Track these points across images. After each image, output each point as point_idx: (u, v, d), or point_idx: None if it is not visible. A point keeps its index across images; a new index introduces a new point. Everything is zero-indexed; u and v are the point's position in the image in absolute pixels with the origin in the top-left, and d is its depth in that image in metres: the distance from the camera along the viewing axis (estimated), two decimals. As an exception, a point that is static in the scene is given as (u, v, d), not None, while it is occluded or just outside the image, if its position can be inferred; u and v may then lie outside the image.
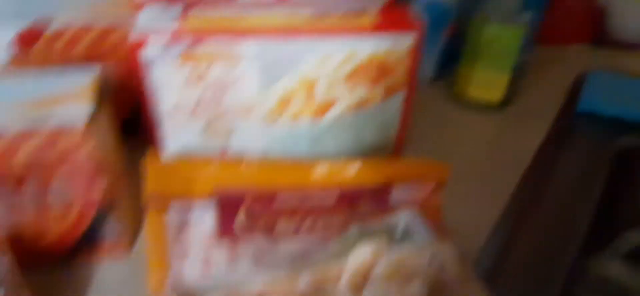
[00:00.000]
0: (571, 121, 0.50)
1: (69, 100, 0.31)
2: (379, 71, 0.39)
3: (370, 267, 0.32)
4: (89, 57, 0.40)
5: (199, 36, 0.35)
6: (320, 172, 0.40)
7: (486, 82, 0.51)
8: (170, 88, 0.37)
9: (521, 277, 0.39)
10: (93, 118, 0.30)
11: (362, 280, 0.31)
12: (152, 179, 0.36)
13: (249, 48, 0.36)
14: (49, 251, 0.34)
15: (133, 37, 0.34)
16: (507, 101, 0.53)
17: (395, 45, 0.38)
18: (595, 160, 0.46)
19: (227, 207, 0.36)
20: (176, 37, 0.34)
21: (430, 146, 0.46)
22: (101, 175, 0.32)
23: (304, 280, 0.32)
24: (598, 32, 0.62)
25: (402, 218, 0.35)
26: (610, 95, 0.51)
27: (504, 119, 0.51)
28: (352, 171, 0.40)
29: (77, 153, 0.30)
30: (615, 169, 0.46)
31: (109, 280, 0.35)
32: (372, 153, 0.42)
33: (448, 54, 0.55)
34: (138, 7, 0.36)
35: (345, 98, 0.40)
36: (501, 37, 0.48)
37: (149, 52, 0.35)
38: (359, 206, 0.38)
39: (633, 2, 0.60)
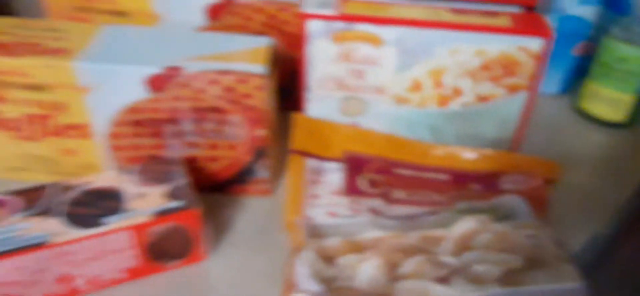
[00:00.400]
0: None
1: (247, 58, 0.38)
2: (505, 69, 0.43)
3: (473, 236, 0.36)
4: (262, 31, 0.48)
5: (351, 19, 0.41)
6: (438, 153, 0.45)
7: (611, 100, 0.53)
8: (322, 62, 0.44)
9: (617, 282, 0.41)
10: (266, 76, 0.38)
11: (464, 246, 0.36)
12: (297, 135, 0.43)
13: (391, 33, 0.41)
14: (214, 179, 0.43)
15: (299, 15, 0.41)
16: (629, 122, 0.54)
17: (524, 47, 0.41)
18: None
19: (354, 169, 0.42)
20: (333, 19, 0.41)
21: (546, 152, 0.49)
22: (263, 123, 0.40)
23: (413, 236, 0.37)
24: None
25: (508, 202, 0.39)
26: None
27: (624, 139, 0.52)
28: (467, 157, 0.44)
29: (250, 101, 0.38)
30: None
31: (256, 210, 0.43)
32: (489, 146, 0.46)
33: (578, 69, 0.57)
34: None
35: (470, 90, 0.44)
36: (630, 58, 0.49)
37: (310, 29, 0.42)
38: (469, 187, 0.43)
39: None
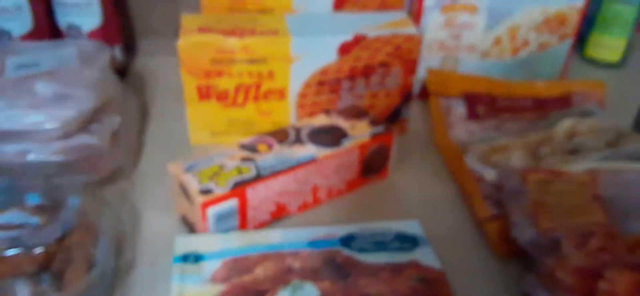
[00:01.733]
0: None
1: (407, 25, 0.53)
2: (558, 22, 0.61)
3: (574, 127, 0.54)
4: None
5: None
6: (519, 87, 0.62)
7: (609, 47, 0.73)
8: (431, 30, 0.59)
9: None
10: (421, 36, 0.53)
11: (571, 134, 0.53)
12: (431, 81, 0.59)
13: (484, 2, 0.58)
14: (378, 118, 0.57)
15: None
16: (621, 62, 0.74)
17: (572, 5, 0.60)
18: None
19: (471, 102, 0.58)
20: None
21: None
22: (414, 72, 0.54)
23: (532, 137, 0.54)
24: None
25: (586, 107, 0.57)
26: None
27: (620, 74, 0.73)
28: (540, 87, 0.62)
29: (410, 55, 0.53)
30: None
31: (401, 142, 0.57)
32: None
33: (581, 31, 0.77)
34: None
35: (535, 40, 0.62)
36: (623, 11, 0.70)
37: (425, 4, 0.58)
38: (549, 106, 0.60)
39: None
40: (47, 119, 0.42)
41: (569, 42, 0.63)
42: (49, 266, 0.35)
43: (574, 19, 0.61)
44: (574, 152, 0.50)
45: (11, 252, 0.34)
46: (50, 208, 0.37)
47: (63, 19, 0.58)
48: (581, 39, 0.75)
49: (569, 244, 0.38)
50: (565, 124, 0.54)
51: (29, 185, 0.39)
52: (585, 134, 0.53)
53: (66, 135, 0.44)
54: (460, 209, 0.48)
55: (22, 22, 0.56)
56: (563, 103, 0.59)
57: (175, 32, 0.50)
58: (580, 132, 0.53)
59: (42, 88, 0.43)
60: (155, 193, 0.47)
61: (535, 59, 0.64)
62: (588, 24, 0.73)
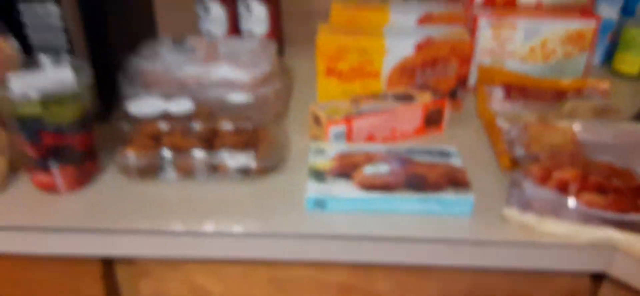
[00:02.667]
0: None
1: (462, 35, 0.82)
2: (578, 37, 0.87)
3: (575, 107, 0.79)
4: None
5: (501, 16, 0.85)
6: (548, 82, 0.88)
7: (631, 62, 0.96)
8: (482, 42, 0.88)
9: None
10: (470, 40, 0.81)
11: (573, 111, 0.78)
12: (481, 74, 0.87)
13: (521, 23, 0.85)
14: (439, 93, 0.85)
15: (472, 16, 0.85)
16: (641, 74, 0.96)
17: (588, 26, 0.85)
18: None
19: (508, 89, 0.85)
20: (492, 17, 0.85)
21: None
22: (467, 64, 0.83)
23: (550, 113, 0.79)
24: None
25: (594, 96, 0.82)
26: None
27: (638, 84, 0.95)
28: (564, 81, 0.87)
29: (461, 54, 0.82)
30: None
31: (460, 116, 0.85)
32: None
33: (610, 50, 1.00)
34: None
35: (560, 50, 0.88)
36: (638, 35, 0.93)
37: (479, 23, 0.86)
38: (566, 95, 0.85)
39: None
40: (244, 75, 0.76)
41: (586, 53, 0.88)
42: (250, 143, 0.68)
43: (589, 35, 0.86)
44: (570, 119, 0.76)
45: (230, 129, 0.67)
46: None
47: (245, 26, 0.93)
48: (610, 57, 0.99)
49: (546, 158, 0.65)
50: (568, 104, 0.80)
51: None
52: (584, 111, 0.78)
53: (252, 87, 0.78)
54: (486, 148, 0.76)
55: (222, 27, 0.92)
56: (577, 93, 0.84)
57: (307, 41, 0.83)
58: (579, 111, 0.78)
59: (245, 58, 0.78)
60: (296, 126, 0.80)
61: (562, 64, 0.89)
62: (614, 45, 0.97)
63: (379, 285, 0.66)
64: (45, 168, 0.64)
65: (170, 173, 0.67)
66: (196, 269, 0.67)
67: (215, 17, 0.92)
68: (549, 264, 0.59)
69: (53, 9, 0.71)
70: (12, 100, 0.60)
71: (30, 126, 0.61)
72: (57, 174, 0.64)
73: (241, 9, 0.92)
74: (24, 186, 0.67)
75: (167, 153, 0.66)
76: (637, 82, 0.95)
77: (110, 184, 0.67)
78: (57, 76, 0.63)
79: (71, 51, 0.73)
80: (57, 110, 0.61)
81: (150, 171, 0.67)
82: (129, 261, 0.67)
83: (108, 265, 0.68)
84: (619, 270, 0.58)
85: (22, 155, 0.64)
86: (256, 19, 0.92)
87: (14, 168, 0.68)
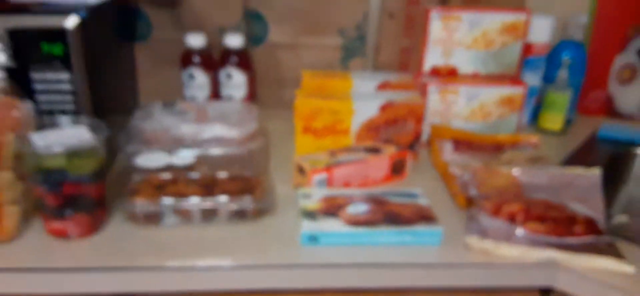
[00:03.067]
0: (593, 140, 1.12)
1: (417, 99, 0.97)
2: (510, 101, 1.04)
3: (512, 157, 0.95)
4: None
5: (446, 83, 1.02)
6: (488, 137, 1.04)
7: (553, 119, 1.15)
8: (432, 105, 1.03)
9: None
10: (422, 104, 0.96)
11: (510, 160, 0.94)
12: (433, 131, 1.02)
13: (462, 89, 1.02)
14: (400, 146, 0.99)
15: (423, 85, 1.01)
16: (562, 130, 1.15)
17: (517, 91, 1.03)
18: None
19: (456, 143, 1.01)
20: (439, 84, 1.01)
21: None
22: (420, 123, 0.97)
23: (492, 162, 0.95)
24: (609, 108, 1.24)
25: (526, 147, 0.98)
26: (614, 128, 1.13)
27: (561, 138, 1.14)
28: (500, 137, 1.03)
29: (417, 115, 0.96)
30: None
31: (417, 164, 0.98)
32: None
33: (536, 111, 1.19)
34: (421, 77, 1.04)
35: (495, 112, 1.05)
36: (558, 98, 1.12)
37: (429, 89, 1.02)
38: (504, 147, 1.01)
39: (628, 93, 1.23)
40: (234, 133, 0.87)
41: (517, 113, 1.05)
42: (245, 190, 0.77)
43: (519, 99, 1.04)
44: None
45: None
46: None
47: (226, 92, 1.04)
48: (535, 116, 1.18)
49: (495, 196, 0.79)
50: (506, 154, 0.95)
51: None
52: (519, 160, 0.94)
53: (241, 143, 0.88)
54: (443, 191, 0.89)
55: (204, 92, 1.03)
56: (512, 146, 1.01)
57: (278, 104, 0.95)
58: (516, 160, 0.94)
59: (232, 119, 0.89)
60: (279, 177, 0.90)
61: (498, 123, 1.06)
62: (539, 107, 1.16)
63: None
64: (61, 216, 0.70)
65: (173, 218, 0.75)
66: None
67: (200, 84, 1.02)
68: (506, 281, 0.72)
69: (64, 76, 0.79)
70: (38, 154, 0.67)
71: (54, 178, 0.68)
72: (71, 221, 0.71)
73: (222, 77, 1.04)
74: (36, 234, 0.72)
75: (169, 201, 0.74)
76: (559, 136, 1.14)
77: (118, 230, 0.74)
78: (75, 133, 0.71)
79: (76, 113, 0.81)
80: (78, 162, 0.69)
81: (155, 217, 0.75)
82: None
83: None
84: (562, 283, 0.72)
85: (37, 204, 0.71)
86: (235, 85, 1.04)
87: (25, 217, 0.74)
